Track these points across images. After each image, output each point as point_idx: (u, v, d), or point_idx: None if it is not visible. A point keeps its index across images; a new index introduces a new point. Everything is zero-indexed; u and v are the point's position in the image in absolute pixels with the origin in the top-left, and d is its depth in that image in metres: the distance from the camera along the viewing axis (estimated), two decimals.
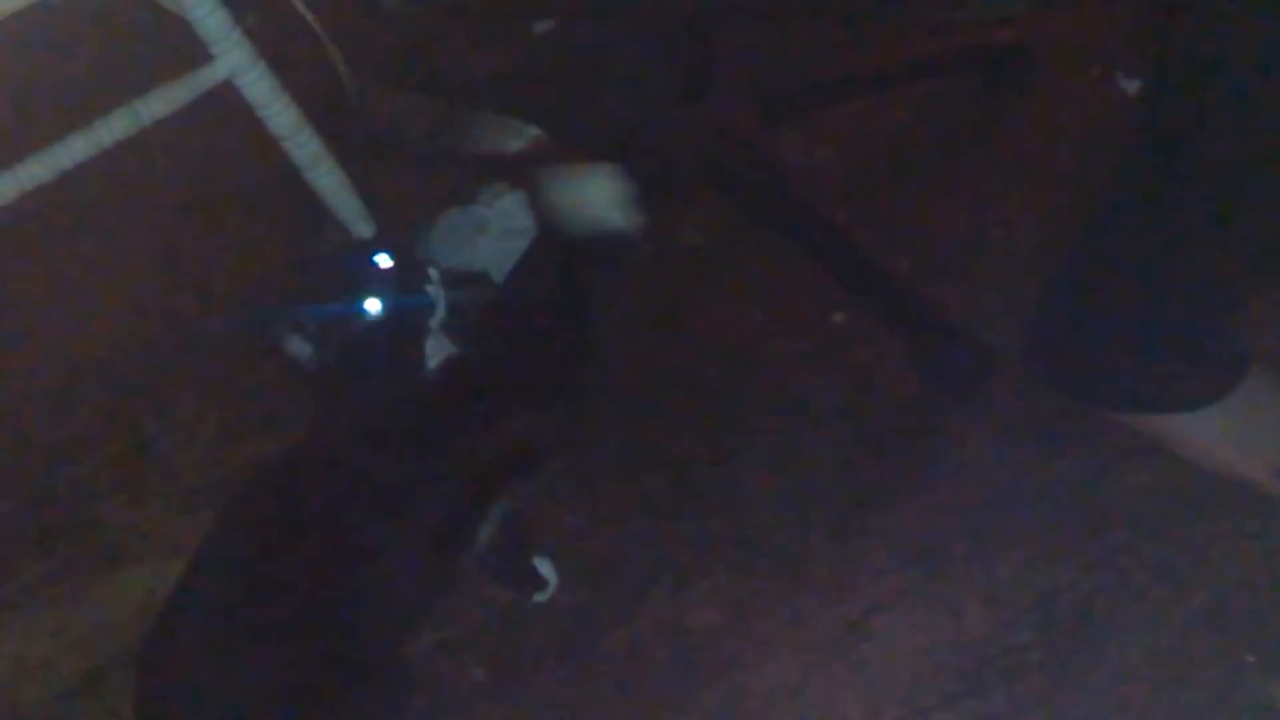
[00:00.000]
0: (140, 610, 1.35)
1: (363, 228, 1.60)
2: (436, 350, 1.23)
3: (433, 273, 1.22)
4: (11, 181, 1.37)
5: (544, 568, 1.37)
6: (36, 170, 1.39)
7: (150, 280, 1.73)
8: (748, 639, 1.33)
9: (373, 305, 1.18)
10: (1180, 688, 1.24)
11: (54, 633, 1.41)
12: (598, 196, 1.36)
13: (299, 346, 1.17)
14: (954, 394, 1.47)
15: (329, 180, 1.56)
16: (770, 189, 1.60)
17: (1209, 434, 1.32)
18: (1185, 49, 1.21)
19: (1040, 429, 1.43)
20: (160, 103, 1.42)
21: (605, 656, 1.33)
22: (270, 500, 1.23)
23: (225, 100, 1.52)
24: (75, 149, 1.40)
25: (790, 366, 1.55)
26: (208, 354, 1.62)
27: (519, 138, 1.67)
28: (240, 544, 1.20)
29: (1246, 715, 1.22)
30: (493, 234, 1.61)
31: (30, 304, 1.72)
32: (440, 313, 1.21)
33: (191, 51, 1.49)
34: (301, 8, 1.33)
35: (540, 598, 1.36)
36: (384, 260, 1.19)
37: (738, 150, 1.60)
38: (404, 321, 1.20)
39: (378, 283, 1.19)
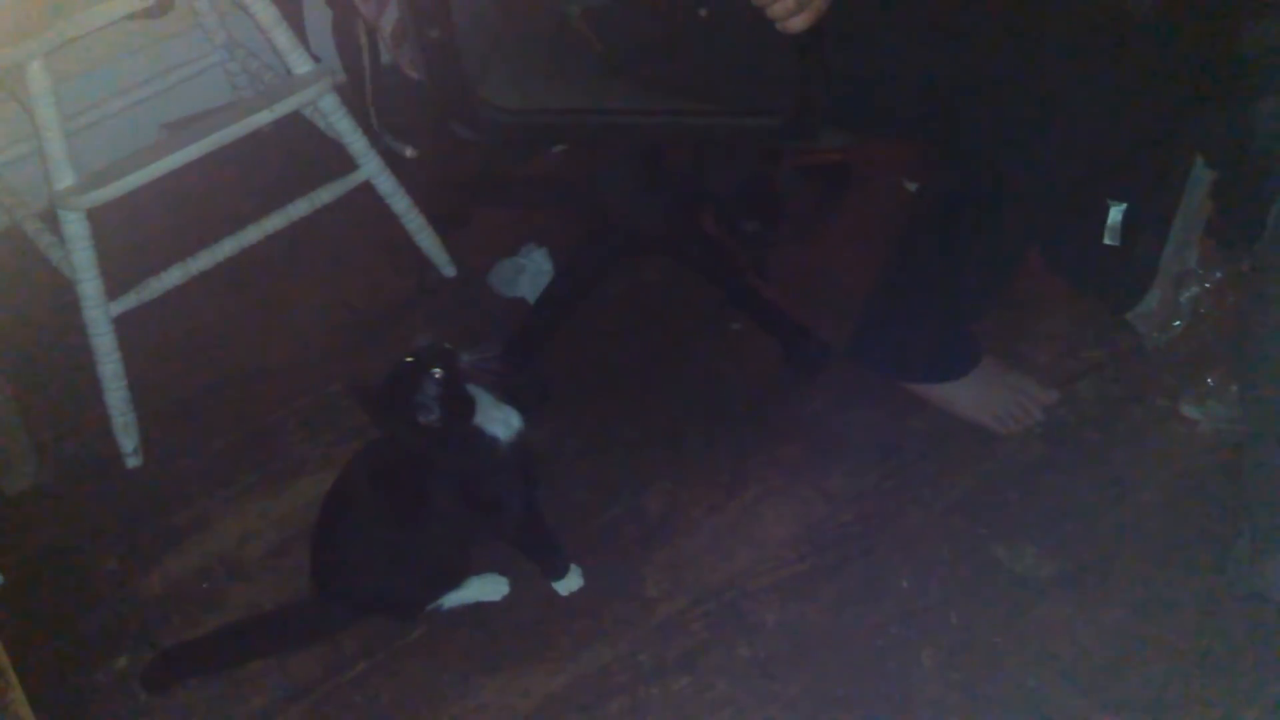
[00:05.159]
0: (313, 503, 1.48)
1: (448, 270, 1.88)
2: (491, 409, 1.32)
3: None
4: (234, 241, 1.71)
5: (571, 574, 1.45)
6: (252, 234, 1.71)
7: (320, 302, 1.93)
8: (683, 519, 1.54)
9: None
10: (937, 553, 1.46)
11: (261, 515, 1.61)
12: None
13: (425, 406, 1.29)
14: (805, 372, 1.71)
15: (429, 241, 1.87)
16: (700, 249, 1.78)
17: (959, 396, 1.61)
18: (943, 170, 1.53)
19: (858, 393, 1.65)
20: (327, 194, 1.74)
21: (595, 531, 1.54)
22: (375, 457, 1.41)
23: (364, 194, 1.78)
24: (276, 220, 1.72)
25: (708, 356, 1.77)
26: (359, 349, 1.82)
27: None
28: (360, 475, 1.40)
29: (980, 570, 1.43)
30: (528, 275, 1.86)
31: (250, 315, 1.90)
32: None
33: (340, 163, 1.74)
34: None
35: (559, 586, 1.45)
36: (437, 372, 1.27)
37: (683, 226, 1.76)
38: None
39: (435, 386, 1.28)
